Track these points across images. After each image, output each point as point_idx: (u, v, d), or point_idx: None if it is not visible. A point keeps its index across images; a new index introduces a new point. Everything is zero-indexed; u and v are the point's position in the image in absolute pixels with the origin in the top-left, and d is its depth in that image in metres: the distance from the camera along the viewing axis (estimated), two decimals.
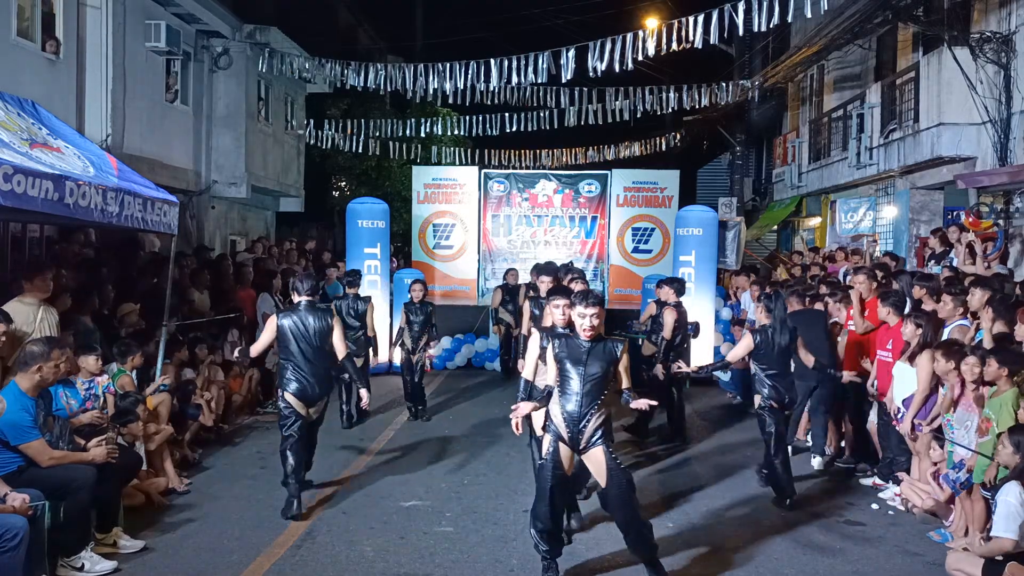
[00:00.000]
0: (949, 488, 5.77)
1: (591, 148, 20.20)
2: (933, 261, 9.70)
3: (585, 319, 4.86)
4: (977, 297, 6.55)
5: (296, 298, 6.49)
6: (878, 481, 7.13)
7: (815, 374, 7.24)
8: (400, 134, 18.02)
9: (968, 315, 6.74)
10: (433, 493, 6.77)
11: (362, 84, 13.29)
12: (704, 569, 5.34)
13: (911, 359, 6.50)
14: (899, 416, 6.67)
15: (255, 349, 6.66)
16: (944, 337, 6.60)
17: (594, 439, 4.89)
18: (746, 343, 6.74)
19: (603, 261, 14.32)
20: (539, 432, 5.37)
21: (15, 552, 4.31)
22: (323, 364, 6.36)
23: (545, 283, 7.34)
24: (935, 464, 6.22)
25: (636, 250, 14.34)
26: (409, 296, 9.76)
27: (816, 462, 7.70)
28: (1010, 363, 5.34)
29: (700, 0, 10.97)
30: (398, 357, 9.98)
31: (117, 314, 8.04)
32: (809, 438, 8.15)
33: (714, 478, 7.42)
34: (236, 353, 7.93)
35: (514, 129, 16.31)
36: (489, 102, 14.93)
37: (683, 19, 10.06)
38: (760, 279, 11.91)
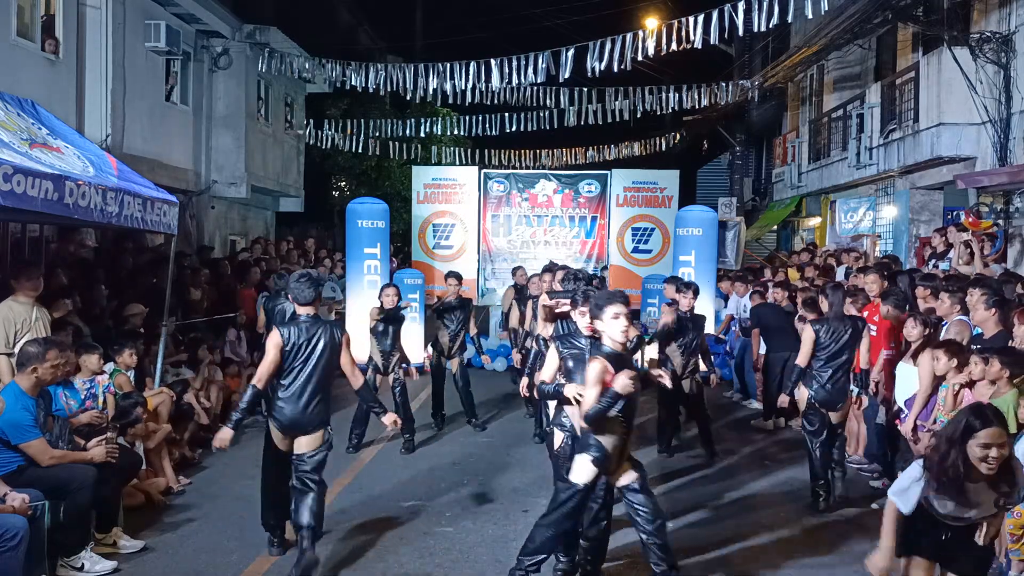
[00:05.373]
0: None
1: (591, 148, 20.20)
2: (935, 260, 9.69)
3: (619, 319, 4.51)
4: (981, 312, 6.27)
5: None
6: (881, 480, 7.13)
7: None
8: (400, 134, 18.02)
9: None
10: (433, 493, 6.78)
11: (362, 84, 13.29)
12: (702, 567, 5.33)
13: (914, 358, 6.48)
14: (901, 416, 6.66)
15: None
16: (943, 333, 6.58)
17: None
18: (809, 336, 6.54)
19: (603, 261, 14.32)
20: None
21: (15, 552, 4.31)
22: None
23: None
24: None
25: (636, 250, 14.34)
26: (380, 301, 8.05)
27: None
28: (1012, 364, 5.27)
29: (700, 0, 10.99)
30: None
31: (123, 314, 8.04)
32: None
33: (717, 478, 7.43)
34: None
35: (514, 129, 16.33)
36: (489, 102, 14.92)
37: (683, 19, 10.07)
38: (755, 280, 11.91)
